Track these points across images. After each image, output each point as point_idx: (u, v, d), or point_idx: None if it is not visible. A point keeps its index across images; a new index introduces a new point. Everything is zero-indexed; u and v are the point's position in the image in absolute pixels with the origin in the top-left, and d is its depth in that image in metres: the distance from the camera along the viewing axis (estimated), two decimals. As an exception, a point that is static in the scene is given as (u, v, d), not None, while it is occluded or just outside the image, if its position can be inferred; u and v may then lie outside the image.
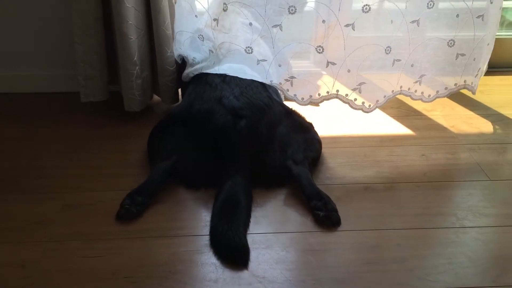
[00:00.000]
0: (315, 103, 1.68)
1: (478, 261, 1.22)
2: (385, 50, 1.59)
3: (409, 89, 1.70)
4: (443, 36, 1.64)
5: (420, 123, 1.79)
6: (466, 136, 1.71)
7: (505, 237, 1.30)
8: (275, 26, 1.55)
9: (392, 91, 1.68)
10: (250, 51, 1.60)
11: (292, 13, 1.52)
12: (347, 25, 1.53)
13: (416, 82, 1.69)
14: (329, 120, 1.79)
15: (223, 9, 1.58)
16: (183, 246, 1.25)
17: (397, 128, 1.76)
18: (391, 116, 1.82)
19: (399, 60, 1.63)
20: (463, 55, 1.67)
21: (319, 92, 1.66)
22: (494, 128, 1.77)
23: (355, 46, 1.58)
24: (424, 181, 1.49)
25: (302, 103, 1.67)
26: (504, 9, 2.26)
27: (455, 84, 1.73)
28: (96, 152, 1.61)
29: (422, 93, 1.71)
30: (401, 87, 1.69)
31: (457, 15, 1.59)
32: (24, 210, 1.36)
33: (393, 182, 1.49)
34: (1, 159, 1.58)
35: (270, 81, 1.62)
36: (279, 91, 1.69)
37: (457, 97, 1.93)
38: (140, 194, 1.36)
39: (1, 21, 1.85)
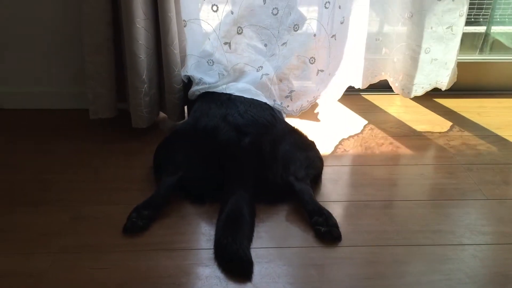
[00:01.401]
0: (305, 109, 1.92)
1: (476, 278, 1.25)
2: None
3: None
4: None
5: (419, 143, 1.83)
6: (464, 156, 1.76)
7: (502, 254, 1.33)
8: (283, 44, 1.65)
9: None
10: (260, 70, 1.71)
11: (296, 31, 1.72)
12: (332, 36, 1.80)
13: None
14: (330, 139, 1.84)
15: (237, 32, 1.65)
16: (188, 259, 1.29)
17: (397, 148, 1.80)
18: (390, 136, 1.87)
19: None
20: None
21: (307, 99, 1.91)
22: (491, 149, 1.81)
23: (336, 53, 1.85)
24: (422, 199, 1.53)
25: (296, 113, 1.85)
26: (499, 34, 2.33)
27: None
28: (104, 167, 1.65)
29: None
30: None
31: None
32: (32, 222, 1.40)
33: (392, 200, 1.53)
34: (11, 172, 1.62)
35: (273, 100, 1.68)
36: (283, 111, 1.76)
37: (456, 118, 1.99)
38: (146, 208, 1.40)
39: (13, 38, 1.91)
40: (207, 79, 1.75)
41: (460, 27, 1.92)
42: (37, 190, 1.54)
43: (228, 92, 1.66)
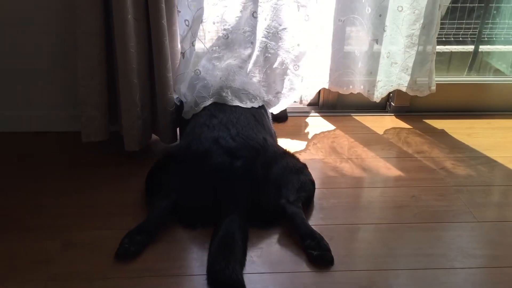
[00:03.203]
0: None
1: (467, 302, 1.26)
2: None
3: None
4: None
5: (410, 165, 1.85)
6: (454, 178, 1.77)
7: (493, 278, 1.34)
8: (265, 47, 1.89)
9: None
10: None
11: (275, 36, 1.89)
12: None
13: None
14: (321, 161, 1.85)
15: (224, 38, 1.82)
16: (181, 285, 1.28)
17: (388, 170, 1.82)
18: (381, 158, 1.88)
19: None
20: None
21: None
22: (481, 170, 1.83)
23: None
24: (414, 222, 1.54)
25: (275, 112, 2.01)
26: (490, 55, 2.38)
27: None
28: (96, 191, 1.65)
29: None
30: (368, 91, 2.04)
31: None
32: (24, 248, 1.39)
33: (384, 222, 1.54)
34: (2, 197, 1.61)
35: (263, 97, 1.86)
36: (274, 134, 1.78)
37: (446, 140, 2.01)
38: (139, 233, 1.39)
39: (7, 62, 1.91)
40: (199, 93, 1.78)
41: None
42: (28, 215, 1.53)
43: (223, 97, 1.73)
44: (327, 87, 2.08)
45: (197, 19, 1.74)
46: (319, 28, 1.93)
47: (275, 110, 2.00)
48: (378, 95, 2.04)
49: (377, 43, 1.97)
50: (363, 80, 2.06)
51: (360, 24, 1.95)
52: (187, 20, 1.73)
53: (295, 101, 2.05)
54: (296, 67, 1.94)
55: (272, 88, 1.96)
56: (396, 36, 1.94)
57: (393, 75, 2.02)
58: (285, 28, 1.88)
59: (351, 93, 2.09)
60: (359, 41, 2.00)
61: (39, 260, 1.34)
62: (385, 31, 1.93)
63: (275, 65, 1.94)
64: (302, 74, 1.96)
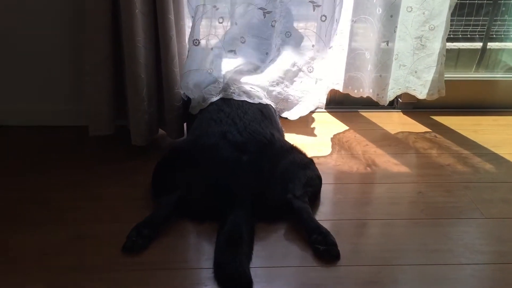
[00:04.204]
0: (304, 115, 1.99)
1: (474, 298, 1.26)
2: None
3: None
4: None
5: (417, 161, 1.84)
6: (461, 174, 1.77)
7: (501, 274, 1.34)
8: (278, 49, 1.88)
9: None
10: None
11: (288, 37, 1.89)
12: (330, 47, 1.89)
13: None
14: (328, 157, 1.85)
15: (241, 41, 1.80)
16: (187, 278, 1.29)
17: (395, 166, 1.81)
18: (388, 154, 1.88)
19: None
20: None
21: (307, 106, 1.98)
22: (488, 167, 1.82)
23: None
24: (421, 218, 1.54)
25: (293, 118, 1.95)
26: (500, 52, 2.36)
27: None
28: (103, 185, 1.66)
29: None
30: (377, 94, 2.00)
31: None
32: (32, 241, 1.40)
33: (390, 218, 1.54)
34: (9, 191, 1.62)
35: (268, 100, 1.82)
36: (281, 129, 1.78)
37: (453, 136, 2.00)
38: (146, 227, 1.40)
39: (14, 56, 1.92)
40: (208, 90, 1.78)
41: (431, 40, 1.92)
42: (36, 209, 1.53)
43: (230, 93, 1.72)
44: (341, 90, 2.05)
45: (207, 16, 1.73)
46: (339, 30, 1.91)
47: (292, 115, 1.97)
48: (387, 98, 2.01)
49: (387, 45, 1.91)
50: (373, 83, 2.02)
51: (371, 24, 1.90)
52: (196, 16, 1.73)
53: (315, 108, 2.03)
54: (310, 69, 1.93)
55: (284, 90, 1.95)
56: (405, 37, 1.91)
57: (401, 77, 1.99)
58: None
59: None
60: (369, 42, 1.94)
61: (47, 252, 1.35)
62: (395, 32, 1.89)
63: (288, 66, 1.92)
64: (316, 76, 1.95)
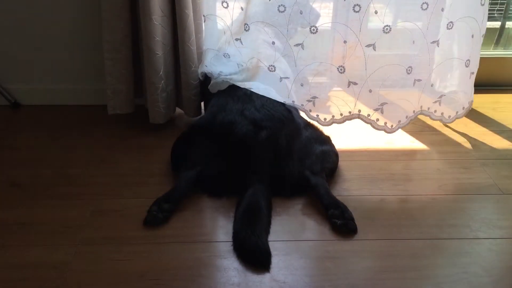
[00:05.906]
0: (338, 122, 1.75)
1: (492, 271, 1.26)
2: (407, 70, 1.65)
3: (428, 108, 1.77)
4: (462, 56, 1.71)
5: (435, 139, 1.84)
6: (480, 151, 1.76)
7: (518, 248, 1.34)
8: (296, 45, 1.64)
9: (414, 111, 1.74)
10: (273, 69, 1.69)
11: (313, 33, 1.61)
12: (368, 45, 1.60)
13: (435, 102, 1.76)
14: (345, 134, 1.85)
15: (245, 29, 1.66)
16: (206, 251, 1.31)
17: (412, 143, 1.81)
18: (406, 131, 1.87)
19: (419, 80, 1.69)
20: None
21: (341, 112, 1.73)
22: (506, 144, 1.81)
23: (377, 66, 1.63)
24: (438, 194, 1.54)
25: (325, 123, 1.74)
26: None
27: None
28: (122, 162, 1.69)
29: (442, 113, 1.78)
30: (421, 107, 1.76)
31: (472, 36, 1.67)
32: (55, 215, 1.43)
33: (408, 194, 1.54)
34: (31, 167, 1.66)
35: (292, 101, 1.69)
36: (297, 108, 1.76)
37: (471, 114, 1.98)
38: (166, 201, 1.42)
39: (34, 37, 1.95)
40: (227, 70, 1.75)
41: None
42: (58, 184, 1.57)
43: (248, 87, 1.67)
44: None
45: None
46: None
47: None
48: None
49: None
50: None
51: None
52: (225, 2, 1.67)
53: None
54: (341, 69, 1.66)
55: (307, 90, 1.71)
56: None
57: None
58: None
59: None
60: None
61: (69, 226, 1.39)
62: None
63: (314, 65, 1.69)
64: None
